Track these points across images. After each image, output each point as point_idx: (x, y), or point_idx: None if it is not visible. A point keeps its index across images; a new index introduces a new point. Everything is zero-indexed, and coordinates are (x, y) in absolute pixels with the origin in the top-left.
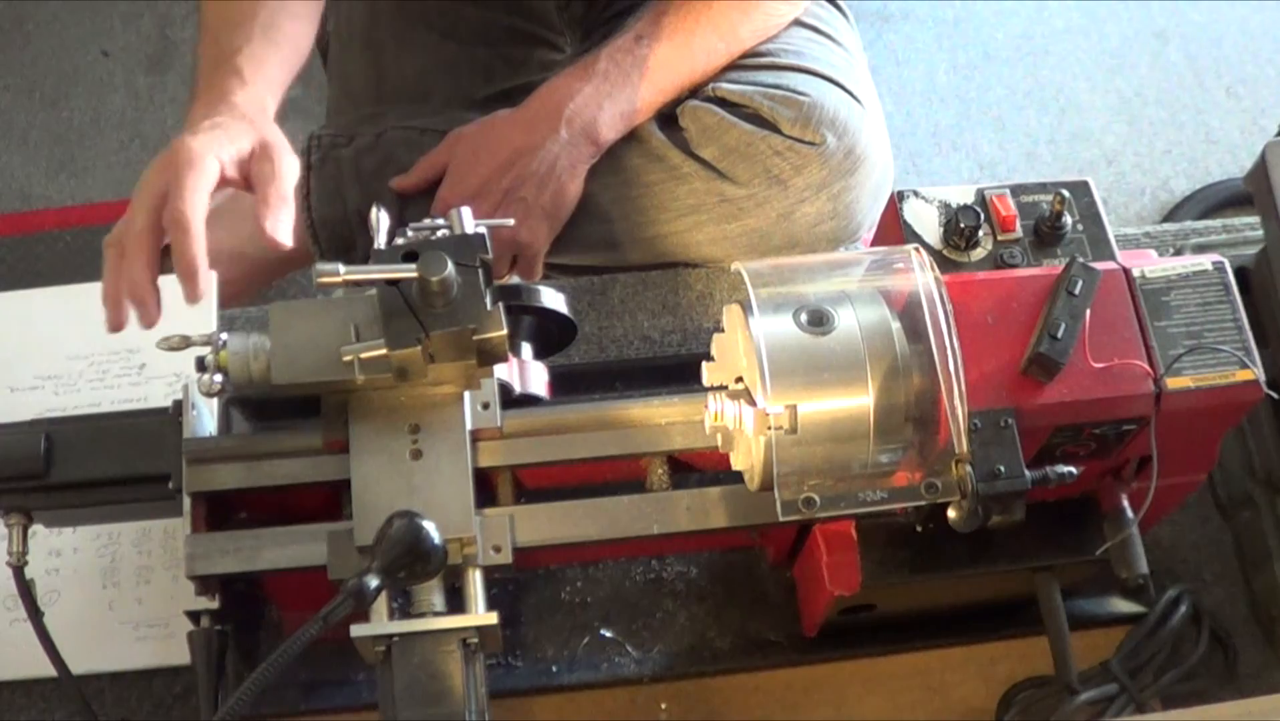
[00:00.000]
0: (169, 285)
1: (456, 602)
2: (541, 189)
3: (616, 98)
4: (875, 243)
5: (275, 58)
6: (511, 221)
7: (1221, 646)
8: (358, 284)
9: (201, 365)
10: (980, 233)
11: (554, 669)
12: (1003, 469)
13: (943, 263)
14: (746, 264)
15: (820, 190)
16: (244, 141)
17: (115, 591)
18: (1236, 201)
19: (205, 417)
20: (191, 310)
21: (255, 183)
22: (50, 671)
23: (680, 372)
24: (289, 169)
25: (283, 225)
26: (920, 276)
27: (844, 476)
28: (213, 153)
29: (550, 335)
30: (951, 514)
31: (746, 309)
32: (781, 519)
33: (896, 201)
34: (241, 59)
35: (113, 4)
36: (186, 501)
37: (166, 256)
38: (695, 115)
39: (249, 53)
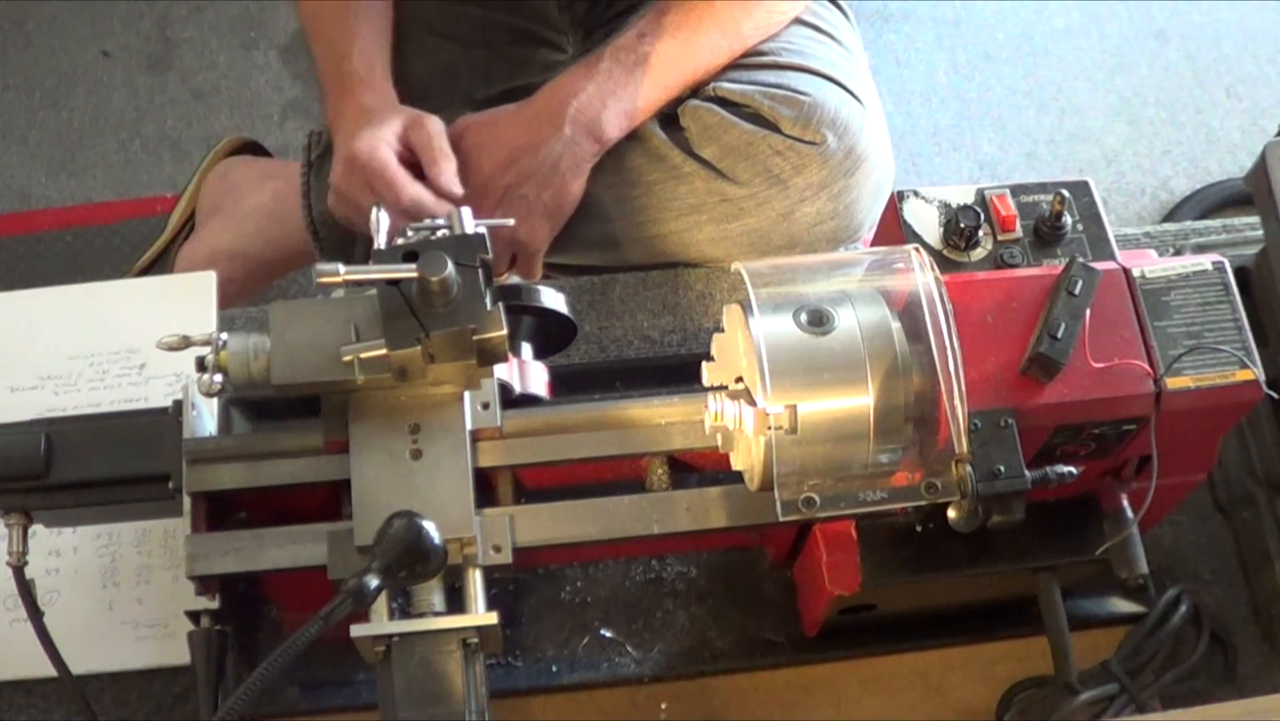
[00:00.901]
0: (170, 285)
1: (456, 602)
2: (543, 187)
3: (620, 96)
4: (875, 243)
5: (377, 48)
6: (511, 221)
7: (1221, 646)
8: (358, 284)
9: (201, 365)
10: (980, 233)
11: (554, 669)
12: (1003, 469)
13: (943, 263)
14: (746, 264)
15: (820, 190)
16: (395, 121)
17: (115, 591)
18: (1236, 201)
19: (205, 417)
20: (191, 310)
21: (417, 148)
22: (50, 671)
23: (680, 372)
24: (438, 128)
25: (446, 176)
26: (920, 276)
27: (844, 476)
28: (379, 139)
29: (550, 335)
30: (951, 514)
31: (746, 309)
32: (781, 519)
33: (896, 201)
34: (355, 61)
35: (113, 4)
36: (186, 501)
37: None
38: (696, 115)
39: (359, 51)
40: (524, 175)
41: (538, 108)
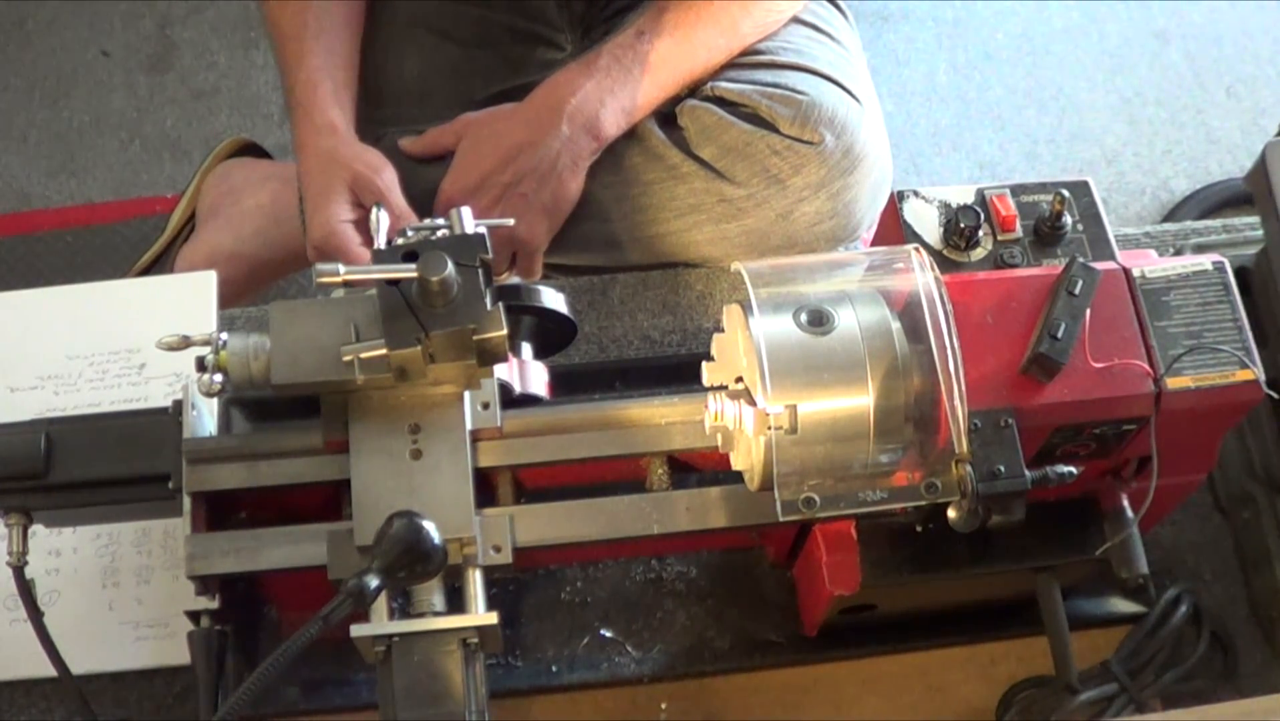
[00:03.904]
0: (170, 285)
1: (456, 602)
2: (542, 185)
3: (618, 93)
4: (875, 242)
5: (327, 73)
6: (511, 221)
7: (1221, 646)
8: (358, 284)
9: (201, 365)
10: (980, 233)
11: (554, 669)
12: (1003, 469)
13: (943, 263)
14: (746, 264)
15: (819, 189)
16: (342, 190)
17: (115, 591)
18: (1236, 201)
19: (205, 417)
20: (191, 310)
21: (380, 205)
22: (50, 671)
23: (680, 372)
24: (388, 179)
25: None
26: (920, 276)
27: (844, 476)
28: (333, 218)
29: (550, 335)
30: (951, 514)
31: (746, 309)
32: (781, 519)
33: (896, 201)
34: (300, 92)
35: (113, 4)
36: (186, 501)
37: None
38: (694, 114)
39: (304, 80)
40: (522, 173)
41: (536, 105)
